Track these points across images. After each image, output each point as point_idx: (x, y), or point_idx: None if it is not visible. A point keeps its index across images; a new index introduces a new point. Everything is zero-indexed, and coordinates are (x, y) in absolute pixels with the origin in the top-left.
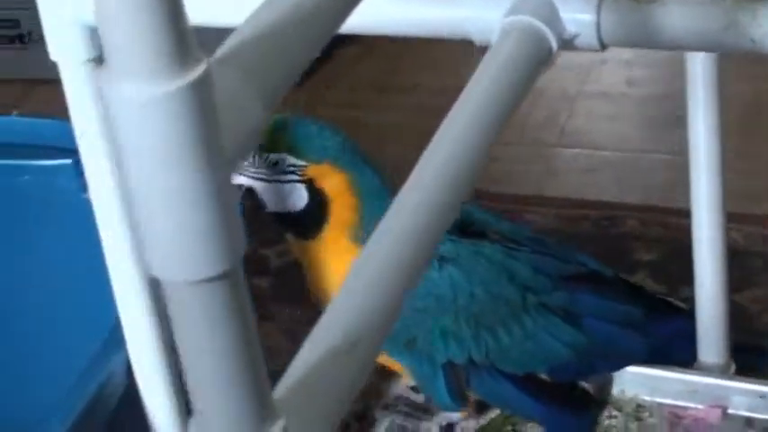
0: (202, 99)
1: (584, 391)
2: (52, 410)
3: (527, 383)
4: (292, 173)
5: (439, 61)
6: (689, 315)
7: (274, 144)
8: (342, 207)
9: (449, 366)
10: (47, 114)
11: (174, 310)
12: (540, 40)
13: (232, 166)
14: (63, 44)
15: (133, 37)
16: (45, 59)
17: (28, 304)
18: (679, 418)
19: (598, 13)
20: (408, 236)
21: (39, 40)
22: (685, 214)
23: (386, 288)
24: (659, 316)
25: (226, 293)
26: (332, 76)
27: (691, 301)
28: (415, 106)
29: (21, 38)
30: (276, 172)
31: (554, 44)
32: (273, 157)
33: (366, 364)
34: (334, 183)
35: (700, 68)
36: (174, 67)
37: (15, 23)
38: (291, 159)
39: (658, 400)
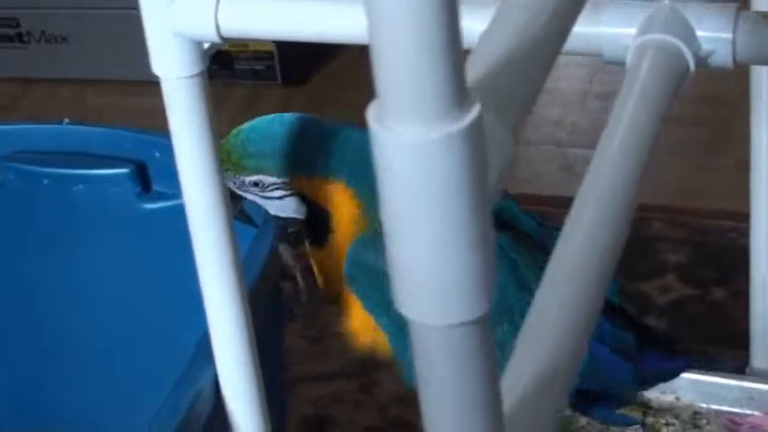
0: (478, 139)
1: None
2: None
3: None
4: (278, 188)
5: None
6: (685, 361)
7: (241, 166)
8: (342, 216)
9: None
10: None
11: (423, 352)
12: (677, 58)
13: (493, 203)
14: (165, 59)
15: (415, 79)
16: (43, 58)
17: (86, 318)
18: (736, 424)
19: (734, 31)
20: (582, 275)
21: (38, 39)
22: (711, 215)
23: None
24: (654, 352)
25: (479, 337)
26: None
27: (722, 303)
28: None
29: (20, 37)
30: (262, 190)
31: (691, 63)
32: (248, 179)
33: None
34: (325, 193)
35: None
36: (454, 108)
37: (15, 22)
38: (268, 178)
39: (714, 407)
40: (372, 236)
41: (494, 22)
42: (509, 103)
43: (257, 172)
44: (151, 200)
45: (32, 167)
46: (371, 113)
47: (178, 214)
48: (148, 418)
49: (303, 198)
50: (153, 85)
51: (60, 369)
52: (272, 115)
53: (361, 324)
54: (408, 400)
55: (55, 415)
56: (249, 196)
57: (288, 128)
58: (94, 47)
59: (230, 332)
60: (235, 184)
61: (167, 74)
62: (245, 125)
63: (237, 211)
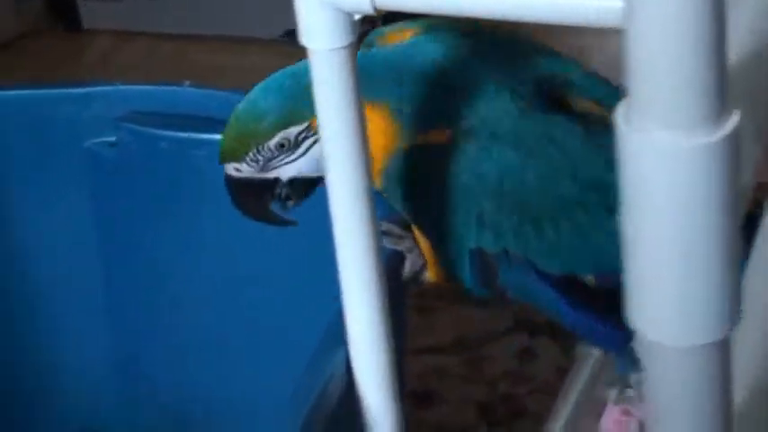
0: (735, 149)
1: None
2: (278, 411)
3: (567, 286)
4: (306, 137)
5: None
6: None
7: (261, 131)
8: (374, 137)
9: (478, 254)
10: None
11: (658, 371)
12: None
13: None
14: (315, 29)
15: (680, 85)
16: (143, 12)
17: (203, 286)
18: None
19: None
20: None
21: None
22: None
23: None
24: None
25: (720, 359)
26: None
27: None
28: None
29: None
30: (290, 149)
31: None
32: (273, 143)
33: None
34: None
35: None
36: (715, 116)
37: None
38: (293, 130)
39: None
40: (407, 150)
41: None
42: (754, 110)
43: (280, 127)
44: None
45: (150, 129)
46: (620, 112)
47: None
48: (270, 397)
49: None
50: (253, 43)
51: (176, 337)
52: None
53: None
54: (517, 376)
55: (166, 385)
56: (279, 172)
57: (298, 72)
58: (196, 2)
59: (365, 311)
60: (259, 162)
61: (316, 45)
62: (251, 91)
63: (266, 210)
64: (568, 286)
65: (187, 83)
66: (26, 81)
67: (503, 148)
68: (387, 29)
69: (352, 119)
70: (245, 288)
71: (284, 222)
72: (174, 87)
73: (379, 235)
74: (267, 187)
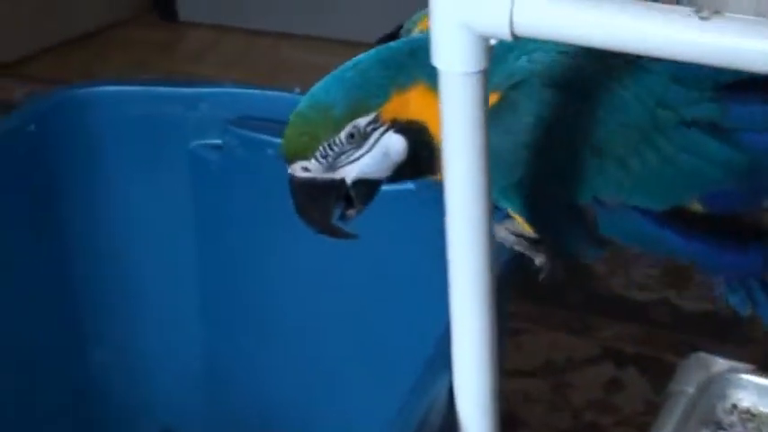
0: None
1: (751, 221)
2: None
3: (674, 219)
4: (375, 128)
5: None
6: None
7: (330, 122)
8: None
9: (571, 210)
10: None
11: None
12: None
13: None
14: (449, 51)
15: None
16: (240, 7)
17: (302, 298)
18: None
19: None
20: None
21: None
22: None
23: None
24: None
25: None
26: None
27: None
28: None
29: None
30: (359, 141)
31: None
32: (343, 134)
33: None
34: (417, 104)
35: None
36: None
37: None
38: (362, 120)
39: None
40: None
41: None
42: None
43: (349, 118)
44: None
45: (258, 135)
46: None
47: (406, 198)
48: (366, 418)
49: (400, 130)
50: (347, 44)
51: (268, 348)
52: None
53: None
54: (603, 406)
55: (255, 397)
56: (345, 171)
57: (359, 63)
58: (293, 0)
59: (473, 338)
60: (328, 158)
61: (449, 67)
62: (311, 90)
63: (328, 218)
64: (676, 219)
65: (297, 89)
66: (119, 71)
67: (557, 92)
68: (417, 16)
69: (479, 142)
70: (344, 304)
71: (345, 235)
72: (284, 93)
73: (493, 256)
74: (332, 189)
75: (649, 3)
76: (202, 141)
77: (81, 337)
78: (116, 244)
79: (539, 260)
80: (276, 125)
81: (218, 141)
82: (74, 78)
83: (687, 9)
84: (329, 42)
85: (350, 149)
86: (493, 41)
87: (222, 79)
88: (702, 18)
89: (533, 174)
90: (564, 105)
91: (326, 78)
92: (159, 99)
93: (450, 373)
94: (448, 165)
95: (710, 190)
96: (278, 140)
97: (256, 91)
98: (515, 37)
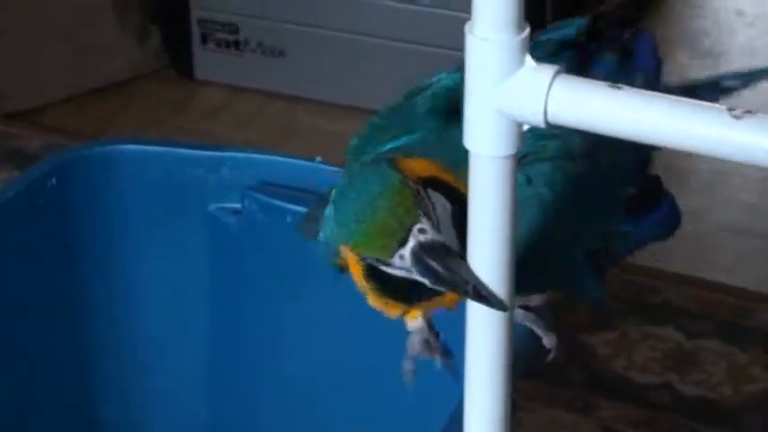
0: None
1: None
2: None
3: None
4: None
5: None
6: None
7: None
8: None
9: (588, 256)
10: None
11: None
12: None
13: None
14: (481, 134)
15: None
16: (257, 68)
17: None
18: None
19: None
20: None
21: (255, 48)
22: None
23: None
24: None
25: None
26: None
27: None
28: None
29: (237, 44)
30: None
31: None
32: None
33: None
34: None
35: None
36: None
37: (235, 28)
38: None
39: None
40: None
41: None
42: None
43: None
44: None
45: (277, 201)
46: None
47: None
48: None
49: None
50: (360, 111)
51: (276, 416)
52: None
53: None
54: (636, 423)
55: None
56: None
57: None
58: (310, 64)
59: (487, 416)
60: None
61: (480, 149)
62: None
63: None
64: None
65: (318, 158)
66: (135, 124)
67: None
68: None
69: (508, 225)
70: (357, 376)
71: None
72: (305, 162)
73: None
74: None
75: (684, 99)
76: (222, 205)
77: (89, 395)
78: (130, 303)
79: (548, 341)
80: (296, 192)
81: (238, 206)
82: (90, 130)
83: (722, 107)
84: (343, 109)
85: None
86: (525, 128)
87: (235, 139)
88: (735, 117)
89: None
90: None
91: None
92: (181, 160)
93: None
94: (473, 245)
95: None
96: (298, 208)
97: (277, 158)
98: (549, 125)
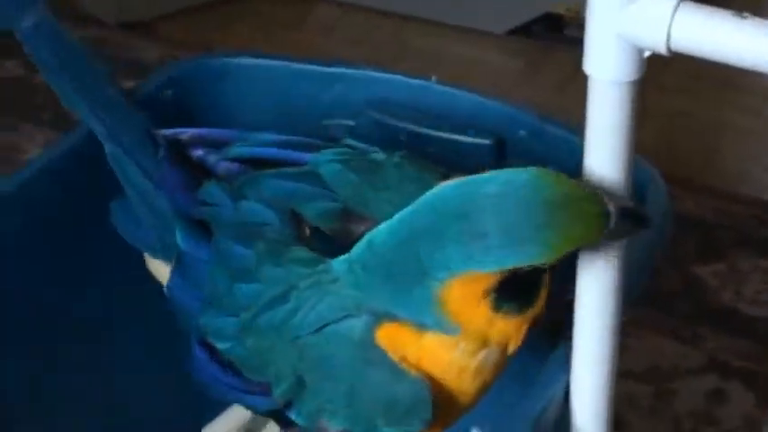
0: None
1: None
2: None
3: None
4: None
5: None
6: None
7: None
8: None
9: None
10: (458, 85)
11: None
12: None
13: None
14: (602, 58)
15: None
16: None
17: None
18: None
19: None
20: None
21: None
22: None
23: None
24: None
25: None
26: None
27: None
28: None
29: None
30: None
31: None
32: None
33: None
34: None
35: None
36: None
37: None
38: None
39: None
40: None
41: None
42: None
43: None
44: None
45: (391, 119)
46: None
47: None
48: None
49: None
50: (472, 33)
51: None
52: None
53: None
54: (704, 417)
55: None
56: None
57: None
58: None
59: (596, 338)
60: None
61: (601, 74)
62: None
63: None
64: None
65: (434, 78)
66: (247, 41)
67: None
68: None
69: (626, 149)
70: None
71: None
72: (420, 81)
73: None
74: None
75: None
76: (334, 121)
77: None
78: None
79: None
80: (411, 112)
81: (351, 123)
82: (202, 43)
83: None
84: (453, 30)
85: None
86: (647, 54)
87: (348, 57)
88: None
89: None
90: None
91: None
92: (297, 75)
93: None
94: (590, 168)
95: None
96: (412, 127)
97: (392, 75)
98: (671, 52)
